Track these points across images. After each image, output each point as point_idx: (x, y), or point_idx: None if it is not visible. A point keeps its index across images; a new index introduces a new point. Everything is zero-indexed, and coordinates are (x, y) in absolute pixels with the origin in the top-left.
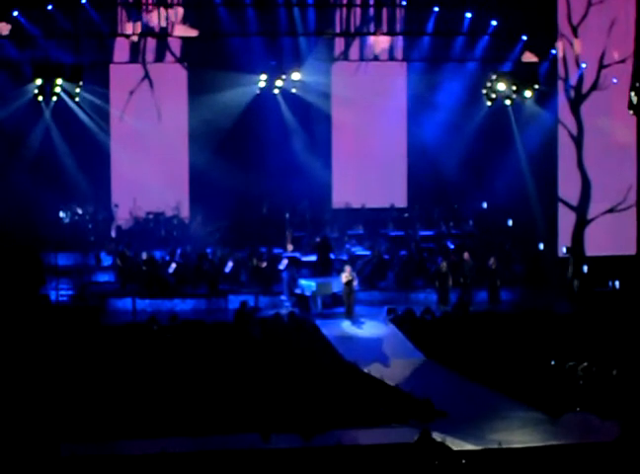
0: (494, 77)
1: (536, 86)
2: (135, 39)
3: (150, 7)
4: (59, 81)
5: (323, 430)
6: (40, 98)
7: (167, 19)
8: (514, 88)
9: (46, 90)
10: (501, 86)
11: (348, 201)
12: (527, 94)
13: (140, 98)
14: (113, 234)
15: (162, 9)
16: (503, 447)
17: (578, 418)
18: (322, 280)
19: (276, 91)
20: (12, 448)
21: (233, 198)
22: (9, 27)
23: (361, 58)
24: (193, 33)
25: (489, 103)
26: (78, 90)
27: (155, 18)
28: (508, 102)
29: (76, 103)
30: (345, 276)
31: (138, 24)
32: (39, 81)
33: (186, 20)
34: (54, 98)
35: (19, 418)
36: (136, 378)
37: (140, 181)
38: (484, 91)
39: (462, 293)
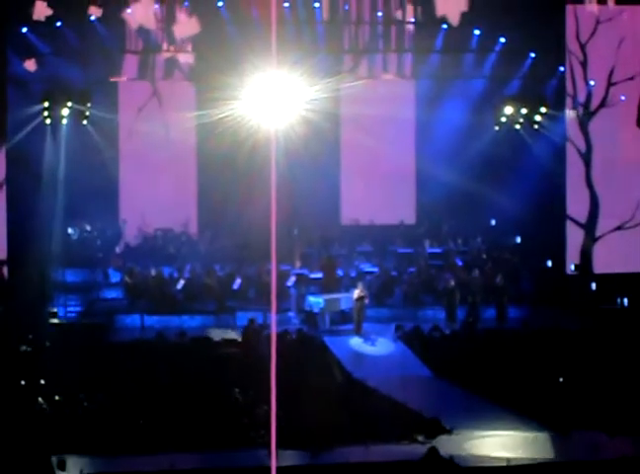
0: (502, 101)
1: (544, 110)
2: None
3: (160, 24)
4: (68, 103)
5: (331, 446)
6: (49, 121)
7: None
8: (523, 111)
9: (55, 112)
10: (508, 110)
11: (356, 218)
12: (537, 118)
13: (149, 114)
14: (121, 250)
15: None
16: (511, 465)
17: (586, 435)
18: (330, 297)
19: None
20: (15, 464)
21: (241, 215)
22: (33, 61)
23: (370, 75)
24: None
25: (497, 127)
26: (88, 113)
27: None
28: (517, 126)
29: (84, 124)
30: (357, 293)
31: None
32: (47, 103)
33: (194, 36)
34: (64, 121)
35: (24, 433)
36: (144, 394)
37: (149, 197)
38: (492, 116)
39: (470, 310)
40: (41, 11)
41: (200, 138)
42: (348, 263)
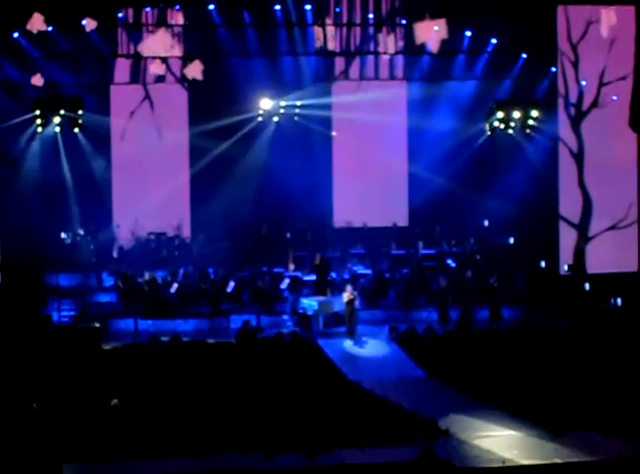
0: (494, 103)
1: (536, 110)
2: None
3: (151, 28)
4: (60, 111)
5: (326, 449)
6: (40, 129)
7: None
8: (514, 112)
9: (47, 118)
10: (500, 111)
11: (349, 220)
12: (529, 119)
13: (141, 118)
14: (114, 254)
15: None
16: (506, 466)
17: (581, 435)
18: (324, 299)
19: (275, 118)
20: (13, 470)
21: (234, 218)
22: (38, 75)
23: (362, 77)
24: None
25: (489, 128)
26: (80, 120)
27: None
28: (509, 127)
29: (76, 131)
30: (346, 296)
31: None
32: (38, 111)
33: (186, 41)
34: (57, 128)
35: (20, 438)
36: (138, 398)
37: (142, 201)
38: (485, 124)
39: (464, 311)
40: (35, 24)
41: (192, 142)
42: (341, 265)
